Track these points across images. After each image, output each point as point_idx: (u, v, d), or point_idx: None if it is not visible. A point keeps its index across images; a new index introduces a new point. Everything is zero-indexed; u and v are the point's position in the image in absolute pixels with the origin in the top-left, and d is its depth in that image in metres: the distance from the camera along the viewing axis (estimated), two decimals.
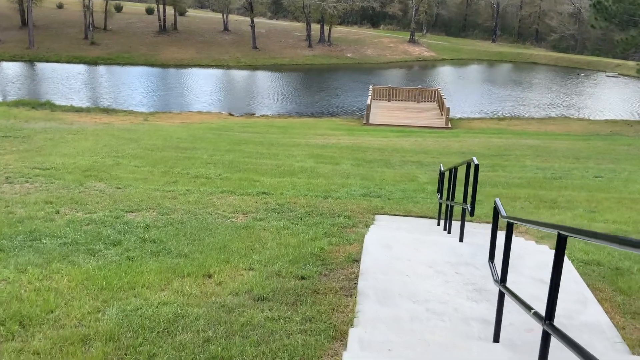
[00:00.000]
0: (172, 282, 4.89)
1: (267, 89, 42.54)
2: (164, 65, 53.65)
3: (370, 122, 26.91)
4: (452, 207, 6.58)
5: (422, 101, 33.03)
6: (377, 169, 13.93)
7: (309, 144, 18.02)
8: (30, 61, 50.66)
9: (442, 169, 8.11)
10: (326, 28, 66.75)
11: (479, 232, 6.62)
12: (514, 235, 7.67)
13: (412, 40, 72.18)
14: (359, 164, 14.64)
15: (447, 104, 27.86)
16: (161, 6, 65.64)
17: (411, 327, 3.93)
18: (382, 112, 29.61)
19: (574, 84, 49.70)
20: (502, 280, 3.54)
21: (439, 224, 7.89)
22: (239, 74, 51.86)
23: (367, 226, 7.55)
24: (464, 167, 6.33)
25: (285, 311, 4.26)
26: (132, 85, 41.61)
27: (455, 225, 7.16)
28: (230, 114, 31.01)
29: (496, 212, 3.95)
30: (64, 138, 15.90)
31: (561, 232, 2.69)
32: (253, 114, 31.73)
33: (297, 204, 8.96)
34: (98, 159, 13.07)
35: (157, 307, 4.40)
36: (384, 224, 7.62)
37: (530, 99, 40.17)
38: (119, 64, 53.24)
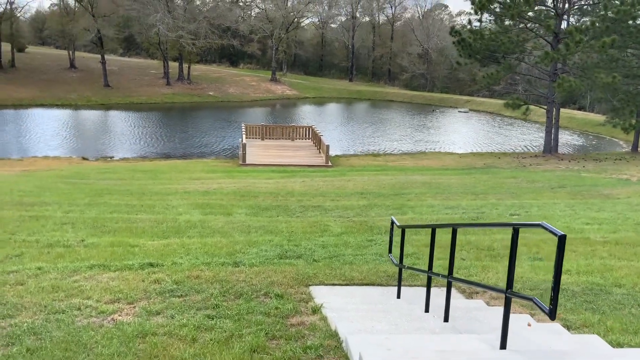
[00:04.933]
0: None
1: (124, 130, 38.69)
2: None
3: (247, 162, 24.82)
4: (450, 283, 4.72)
5: (296, 139, 31.70)
6: (279, 217, 11.86)
7: (187, 191, 15.46)
8: None
9: (395, 221, 6.28)
10: (185, 65, 63.98)
11: (483, 318, 4.84)
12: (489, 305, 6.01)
13: (273, 79, 71.86)
14: (255, 212, 12.47)
15: (326, 141, 26.67)
16: None
17: None
18: (258, 151, 27.69)
19: (432, 120, 51.84)
20: None
21: (399, 297, 6.02)
22: (91, 114, 47.12)
23: (315, 311, 5.44)
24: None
25: None
26: None
27: (436, 304, 5.33)
28: (84, 158, 27.20)
29: None
30: None
31: None
32: (111, 158, 28.14)
33: (201, 279, 6.59)
34: None
35: None
36: (333, 303, 5.57)
37: (396, 135, 40.77)
38: None
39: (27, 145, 31.27)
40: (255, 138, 30.88)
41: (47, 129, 36.90)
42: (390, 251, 6.43)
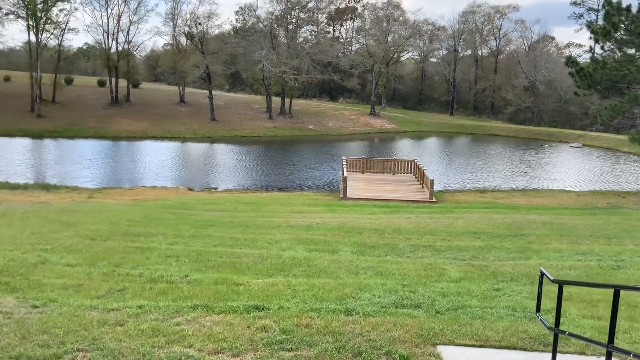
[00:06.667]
0: None
1: (228, 162, 39.62)
2: (115, 138, 50.44)
3: (348, 195, 24.15)
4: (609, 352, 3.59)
5: (398, 173, 30.71)
6: (388, 258, 10.93)
7: (290, 225, 14.94)
8: None
9: (547, 274, 5.16)
10: (287, 100, 65.32)
11: None
12: None
13: (372, 113, 71.61)
14: (361, 251, 11.63)
15: (429, 176, 25.48)
16: (113, 78, 63.12)
17: None
18: (358, 184, 26.98)
19: (544, 155, 48.87)
20: None
21: None
22: (197, 146, 48.94)
23: None
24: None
25: None
26: (78, 159, 37.97)
27: None
28: (190, 189, 27.79)
29: None
30: None
31: None
32: (215, 189, 28.59)
33: (312, 329, 5.82)
34: (17, 254, 9.66)
35: None
36: None
37: (507, 171, 38.61)
38: (66, 136, 49.82)
39: (137, 175, 32.65)
40: (356, 171, 30.26)
41: (156, 160, 38.53)
42: (538, 309, 5.32)
